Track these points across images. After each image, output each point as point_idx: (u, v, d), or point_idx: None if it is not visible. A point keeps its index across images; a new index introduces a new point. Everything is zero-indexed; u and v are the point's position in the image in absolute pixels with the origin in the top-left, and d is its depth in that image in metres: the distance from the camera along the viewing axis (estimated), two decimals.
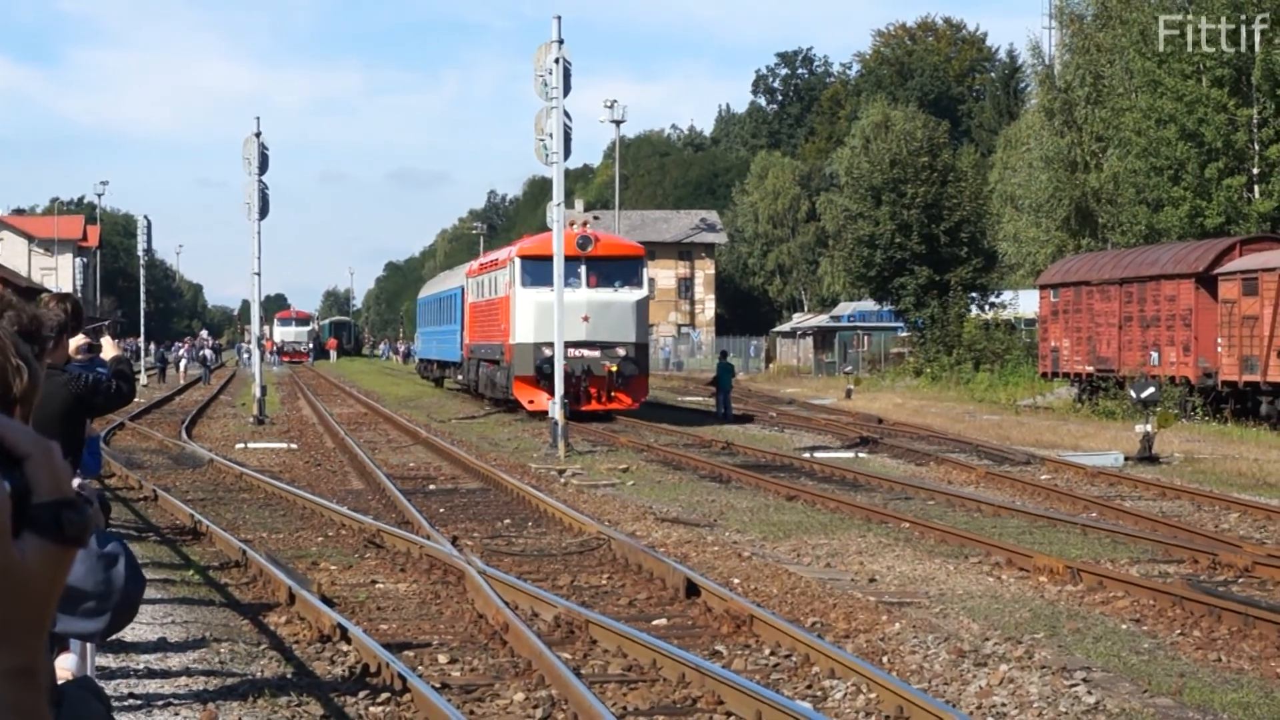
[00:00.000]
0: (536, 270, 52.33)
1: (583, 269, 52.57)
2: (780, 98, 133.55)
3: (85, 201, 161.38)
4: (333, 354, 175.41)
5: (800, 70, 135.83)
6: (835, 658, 14.44)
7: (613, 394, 52.80)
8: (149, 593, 18.68)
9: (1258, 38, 63.76)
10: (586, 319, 51.07)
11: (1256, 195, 64.69)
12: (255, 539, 22.89)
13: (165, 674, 14.45)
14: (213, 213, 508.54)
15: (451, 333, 74.87)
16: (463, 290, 71.29)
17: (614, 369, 51.77)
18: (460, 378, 72.39)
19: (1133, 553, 22.20)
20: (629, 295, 54.38)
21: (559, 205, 42.69)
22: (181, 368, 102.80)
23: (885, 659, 14.86)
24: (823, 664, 14.47)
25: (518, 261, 54.39)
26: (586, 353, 51.05)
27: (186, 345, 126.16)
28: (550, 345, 44.88)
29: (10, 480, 1.61)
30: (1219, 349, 48.29)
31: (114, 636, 15.56)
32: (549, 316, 44.84)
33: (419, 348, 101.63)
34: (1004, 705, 13.16)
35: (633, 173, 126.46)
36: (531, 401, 51.33)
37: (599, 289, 53.27)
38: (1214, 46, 64.26)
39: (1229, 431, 43.60)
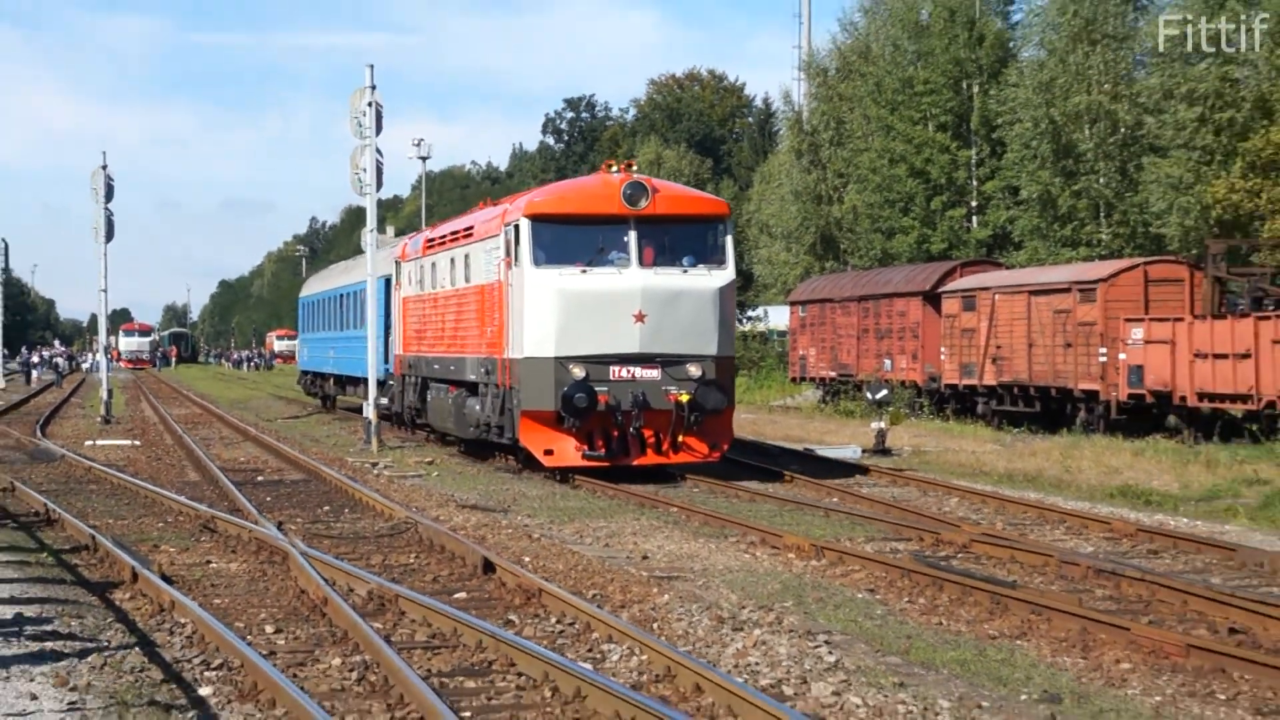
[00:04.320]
0: (559, 239, 29.00)
1: (631, 236, 28.48)
2: (566, 138, 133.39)
3: None
4: (173, 361, 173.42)
5: (584, 114, 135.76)
6: (612, 625, 14.48)
7: (680, 440, 28.59)
8: (7, 570, 18.43)
9: (976, 89, 65.03)
10: (641, 318, 27.89)
11: (975, 224, 65.88)
12: (103, 525, 22.56)
13: (21, 643, 14.26)
14: (62, 235, 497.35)
15: (356, 340, 48.24)
16: (388, 281, 44.13)
17: (685, 398, 27.87)
18: (385, 400, 43.30)
19: (868, 532, 22.46)
20: (709, 279, 29.14)
21: (372, 231, 42.39)
22: (34, 375, 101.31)
23: (655, 626, 14.92)
24: (602, 630, 14.51)
25: (525, 225, 28.87)
26: (640, 372, 28.01)
27: (40, 355, 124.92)
28: (586, 362, 27.77)
29: None
30: (942, 357, 48.99)
31: None
32: (584, 314, 27.98)
33: (303, 358, 70.02)
34: (757, 664, 13.25)
35: (437, 203, 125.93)
36: (550, 452, 28.69)
37: (660, 268, 28.68)
38: (938, 96, 65.35)
39: (950, 428, 44.20)
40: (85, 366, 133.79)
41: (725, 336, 29.32)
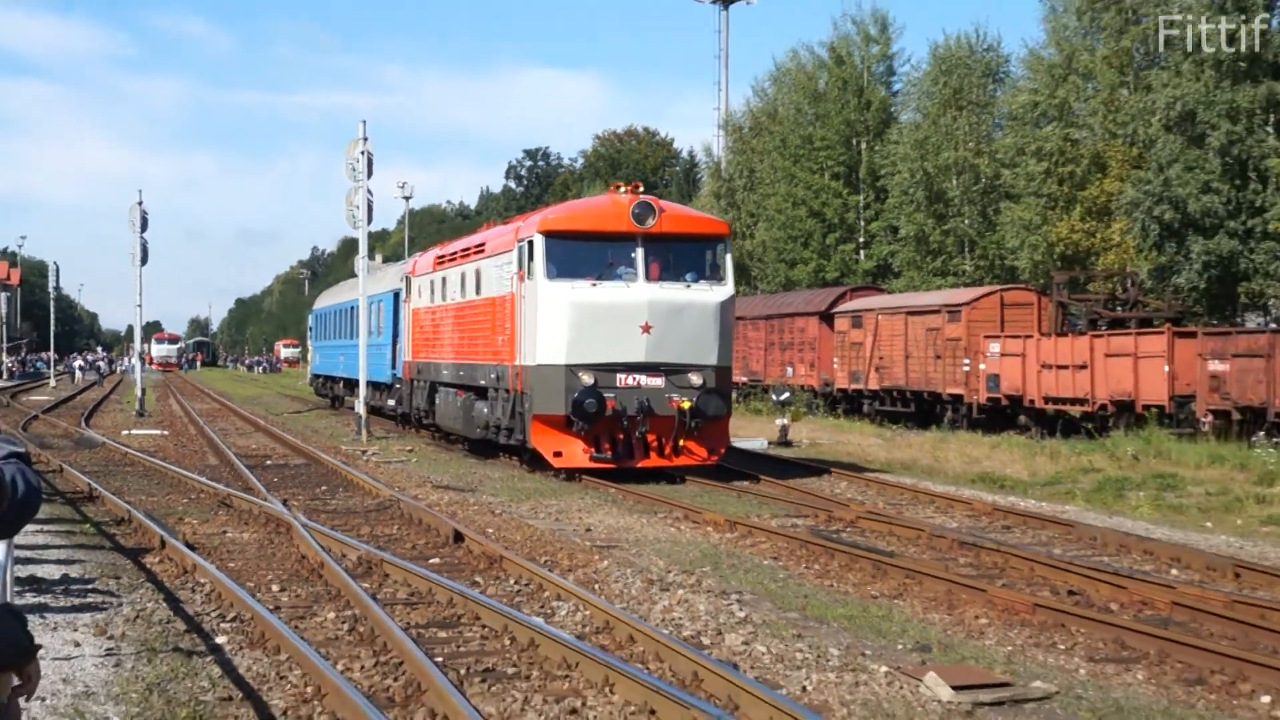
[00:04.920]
0: (571, 254, 26.60)
1: (639, 253, 26.35)
2: (525, 182, 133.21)
3: (8, 250, 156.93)
4: (197, 365, 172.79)
5: (540, 162, 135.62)
6: (560, 586, 14.50)
7: (681, 444, 26.44)
8: (56, 538, 18.30)
9: (863, 145, 65.36)
10: (647, 329, 25.77)
11: (862, 257, 66.14)
12: (136, 501, 22.42)
13: (67, 599, 14.18)
14: (105, 260, 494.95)
15: (377, 348, 44.63)
16: (397, 295, 42.30)
17: (686, 405, 25.80)
18: (391, 402, 42.56)
19: (773, 510, 22.49)
20: (710, 294, 26.88)
21: (364, 258, 42.27)
22: (78, 376, 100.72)
23: (596, 586, 14.93)
24: (551, 590, 14.52)
25: (540, 241, 26.47)
26: (645, 380, 25.90)
27: (84, 359, 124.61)
28: (595, 370, 25.51)
29: None
30: (835, 366, 49.14)
31: (28, 574, 15.24)
32: (594, 325, 25.70)
33: (315, 363, 67.33)
34: (680, 619, 13.28)
35: (418, 235, 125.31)
36: (559, 454, 26.24)
37: (665, 283, 26.49)
38: (832, 150, 65.63)
39: (841, 424, 44.35)
40: (123, 369, 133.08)
41: (724, 348, 27.03)
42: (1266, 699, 10.89)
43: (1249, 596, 14.74)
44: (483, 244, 31.35)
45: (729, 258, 27.76)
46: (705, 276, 27.00)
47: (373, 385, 42.98)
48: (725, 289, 27.16)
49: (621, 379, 25.62)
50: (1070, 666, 11.89)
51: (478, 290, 30.99)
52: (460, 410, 32.18)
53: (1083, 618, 13.36)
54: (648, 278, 26.18)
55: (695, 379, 26.00)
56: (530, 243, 26.63)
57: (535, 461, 27.65)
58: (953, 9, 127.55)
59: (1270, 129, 46.70)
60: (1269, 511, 21.85)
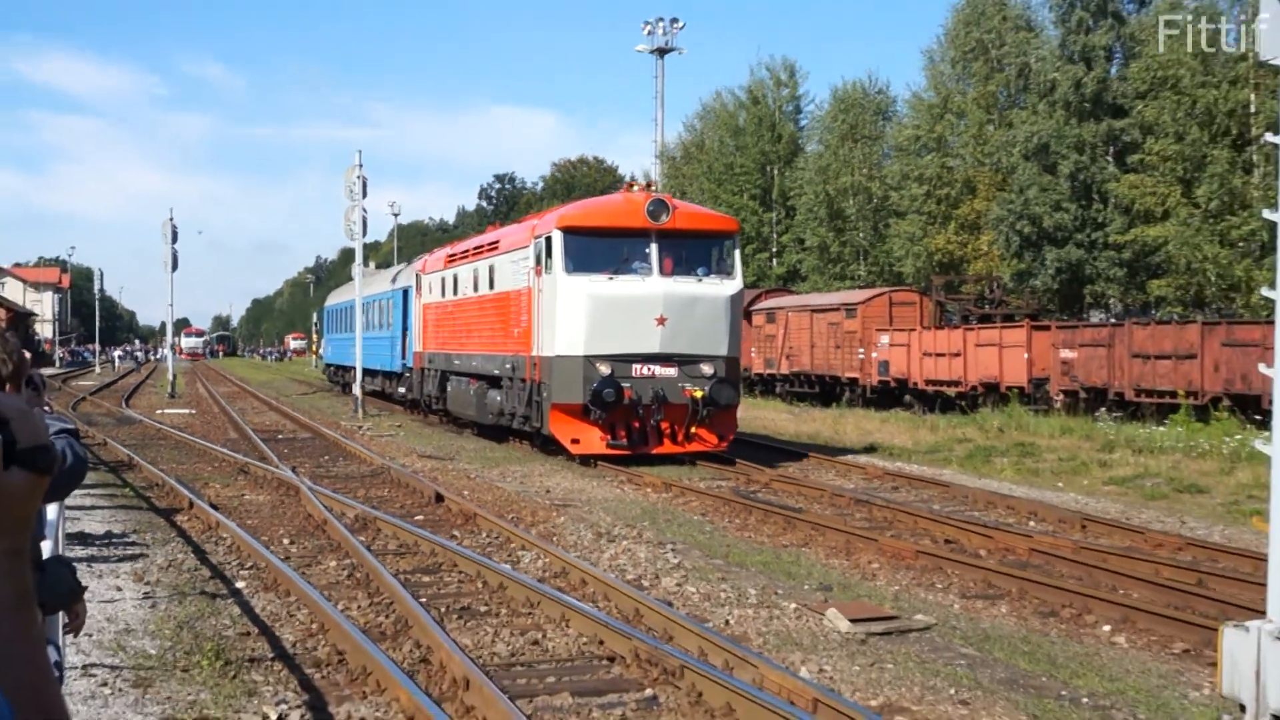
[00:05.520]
0: (588, 249, 23.51)
1: (653, 248, 23.35)
2: (494, 202, 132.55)
3: (59, 259, 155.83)
4: (219, 354, 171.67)
5: (507, 185, 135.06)
6: (524, 538, 14.48)
7: (693, 431, 23.47)
8: (101, 500, 18.14)
9: (776, 172, 65.51)
10: (662, 321, 22.86)
11: (775, 264, 66.26)
12: (168, 468, 22.25)
13: (110, 551, 14.08)
14: (141, 266, 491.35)
15: (371, 340, 43.35)
16: (406, 292, 38.10)
17: (699, 394, 22.88)
18: (402, 390, 38.65)
19: (701, 474, 22.48)
20: (720, 287, 23.88)
21: (359, 265, 42.18)
22: (118, 364, 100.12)
23: (554, 538, 14.93)
24: (517, 542, 14.51)
25: (558, 236, 23.45)
26: (659, 370, 23.02)
27: (123, 349, 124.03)
28: (612, 360, 22.47)
29: (1, 434, 1.62)
30: (753, 354, 49.20)
31: (78, 530, 15.11)
32: (611, 317, 22.64)
33: (327, 353, 63.12)
34: (624, 564, 13.30)
35: (404, 246, 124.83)
36: (577, 441, 23.21)
37: (678, 277, 23.51)
38: (750, 176, 65.75)
39: (758, 403, 44.37)
40: (156, 358, 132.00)
41: (734, 339, 23.77)
42: (1107, 627, 11.01)
43: (1093, 544, 14.89)
44: (496, 242, 28.09)
45: (737, 253, 24.43)
46: (715, 271, 23.87)
47: (384, 373, 41.66)
48: (735, 283, 23.98)
49: (637, 369, 22.62)
50: (946, 602, 11.97)
51: (491, 285, 27.85)
52: (473, 398, 28.88)
53: (957, 562, 13.46)
54: (661, 272, 23.13)
55: (707, 369, 23.03)
56: (549, 238, 23.54)
57: (547, 446, 24.79)
58: (849, 57, 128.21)
59: (1110, 159, 47.17)
60: (1109, 474, 22.05)
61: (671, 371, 22.78)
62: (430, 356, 34.14)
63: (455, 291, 31.34)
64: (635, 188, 24.64)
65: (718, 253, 24.16)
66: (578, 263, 23.11)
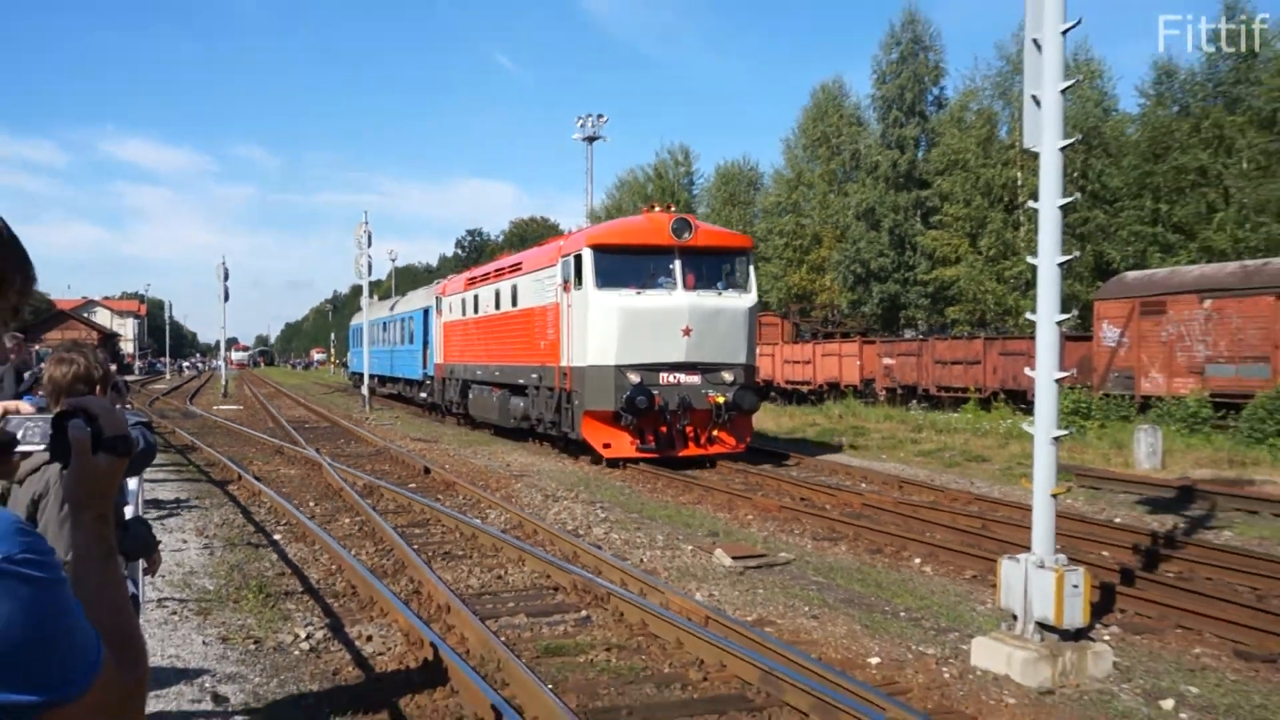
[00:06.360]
0: (616, 266, 19.31)
1: (677, 264, 19.35)
2: (467, 250, 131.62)
3: (138, 293, 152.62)
4: (261, 365, 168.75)
5: (477, 238, 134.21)
6: (491, 500, 14.37)
7: (714, 434, 19.42)
8: (171, 475, 17.77)
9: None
10: (688, 332, 18.93)
11: None
12: (222, 450, 21.86)
13: (179, 512, 13.82)
14: (202, 298, 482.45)
15: (394, 352, 39.59)
16: (427, 311, 33.43)
17: (721, 400, 18.93)
18: (423, 395, 34.17)
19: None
20: (740, 300, 19.65)
21: (366, 298, 41.62)
22: (185, 372, 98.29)
23: (513, 500, 14.84)
24: (485, 503, 14.40)
25: (588, 254, 19.22)
26: (684, 378, 19.04)
27: (187, 361, 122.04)
28: (642, 369, 18.68)
29: (91, 426, 1.61)
30: None
31: (153, 497, 14.78)
32: (640, 328, 18.77)
33: (354, 363, 54.16)
34: (565, 518, 13.25)
35: (400, 283, 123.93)
36: (608, 445, 19.10)
37: (700, 291, 19.37)
38: (667, 199, 65.57)
39: None
40: (212, 368, 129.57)
41: (750, 349, 19.60)
42: (918, 560, 11.14)
43: (907, 499, 15.03)
44: (519, 264, 23.50)
45: (751, 269, 20.16)
46: (732, 285, 19.69)
47: (405, 380, 37.95)
48: (751, 296, 19.74)
49: (664, 377, 18.71)
50: (802, 544, 12.06)
51: (514, 303, 23.28)
52: (496, 404, 24.57)
53: (809, 514, 13.54)
54: (685, 286, 19.03)
55: (728, 376, 19.02)
56: (578, 256, 19.30)
57: (569, 448, 20.98)
58: (729, 143, 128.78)
59: (918, 219, 47.78)
60: (919, 448, 22.29)
61: (695, 379, 18.90)
62: (451, 368, 29.44)
63: (476, 310, 26.77)
64: (656, 208, 20.37)
65: (734, 268, 20.03)
66: (607, 278, 18.99)
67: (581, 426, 19.04)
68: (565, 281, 19.86)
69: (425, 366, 34.39)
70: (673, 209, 20.24)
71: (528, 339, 22.35)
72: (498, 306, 24.77)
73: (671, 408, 18.72)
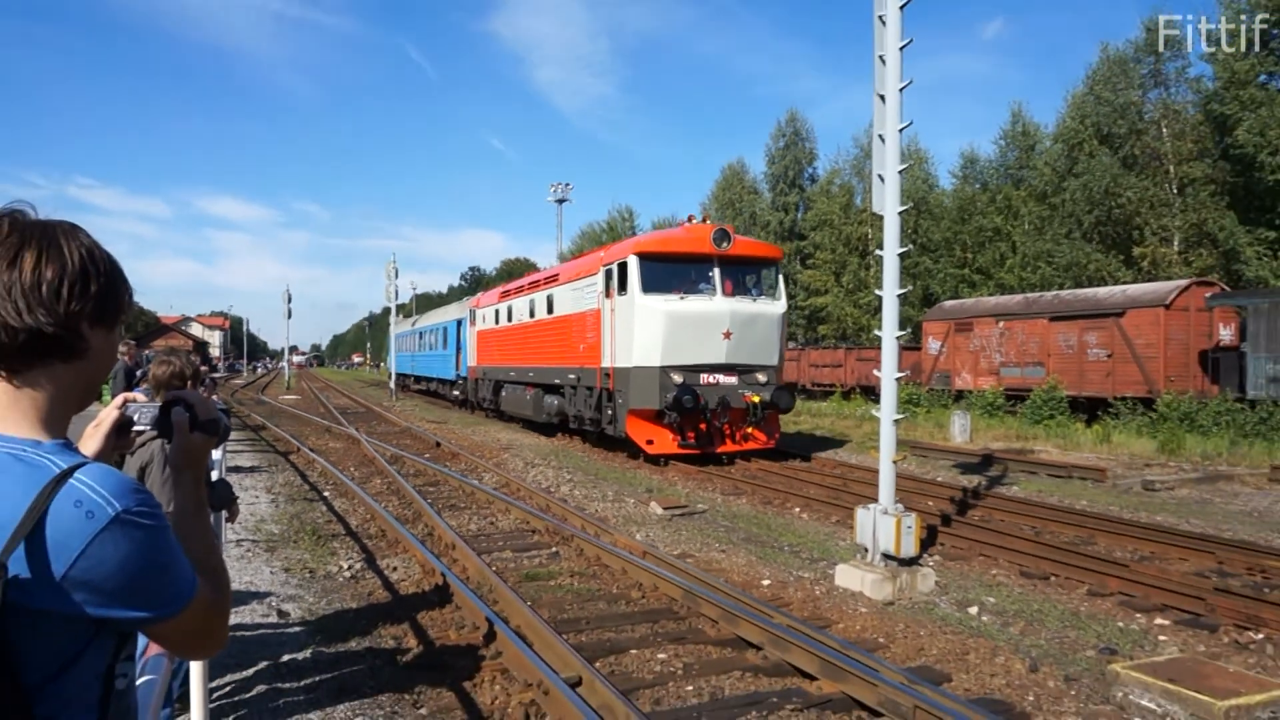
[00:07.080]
0: (660, 273, 14.46)
1: (716, 272, 14.49)
2: (469, 281, 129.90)
3: (223, 311, 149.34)
4: (315, 366, 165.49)
5: (475, 272, 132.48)
6: (485, 465, 14.21)
7: (749, 431, 14.86)
8: (248, 448, 17.35)
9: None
10: (728, 335, 14.22)
11: None
12: (286, 429, 21.40)
13: (252, 475, 13.51)
14: (272, 315, 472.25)
15: (430, 357, 34.87)
16: (460, 322, 29.19)
17: (756, 399, 14.22)
18: (456, 393, 29.83)
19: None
20: (773, 306, 14.93)
21: (394, 317, 41.13)
22: (258, 371, 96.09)
23: (502, 466, 14.66)
24: (482, 467, 14.23)
25: (634, 261, 14.33)
26: (723, 379, 14.30)
27: (260, 363, 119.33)
28: (684, 370, 14.42)
29: (189, 412, 1.58)
30: None
31: (234, 464, 14.40)
32: (684, 331, 14.42)
33: (395, 366, 43.79)
34: (540, 479, 13.13)
35: (419, 306, 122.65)
36: (651, 442, 14.57)
37: (738, 297, 14.54)
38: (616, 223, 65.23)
39: None
40: (279, 368, 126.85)
41: (781, 352, 15.52)
42: (798, 509, 11.20)
43: (790, 465, 15.04)
44: (555, 275, 19.23)
45: (781, 278, 16.10)
46: (765, 293, 15.70)
47: (439, 380, 33.47)
48: (782, 303, 15.65)
49: (704, 378, 14.79)
50: (714, 498, 12.06)
51: (549, 311, 19.02)
52: (530, 401, 20.39)
53: (719, 476, 13.48)
54: (723, 293, 15.08)
55: (761, 377, 15.11)
56: (623, 264, 15.28)
57: (603, 442, 17.52)
58: (662, 205, 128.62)
59: (799, 262, 48.05)
60: (798, 428, 22.17)
61: (733, 380, 15.03)
62: (484, 370, 25.17)
63: (510, 319, 22.51)
64: (692, 219, 16.35)
65: (766, 276, 16.01)
66: (651, 284, 14.99)
67: (625, 424, 15.17)
68: (608, 288, 15.95)
69: (459, 368, 31.01)
70: (708, 220, 16.82)
71: (565, 343, 18.39)
72: (532, 315, 20.71)
73: (711, 406, 15.05)
